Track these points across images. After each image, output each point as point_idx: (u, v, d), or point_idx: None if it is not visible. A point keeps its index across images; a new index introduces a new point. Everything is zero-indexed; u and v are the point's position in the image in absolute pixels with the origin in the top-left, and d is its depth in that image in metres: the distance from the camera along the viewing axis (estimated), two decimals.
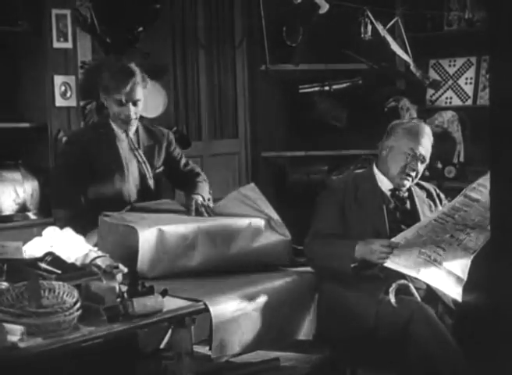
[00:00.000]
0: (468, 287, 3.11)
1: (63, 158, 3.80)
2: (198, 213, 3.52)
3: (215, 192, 5.71)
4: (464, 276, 3.09)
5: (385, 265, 3.11)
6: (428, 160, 3.43)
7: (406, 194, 3.45)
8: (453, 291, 3.09)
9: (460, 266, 3.10)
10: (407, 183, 3.39)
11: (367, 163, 3.58)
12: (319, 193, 3.52)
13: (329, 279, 3.33)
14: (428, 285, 3.22)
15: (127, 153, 3.72)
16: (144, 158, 3.75)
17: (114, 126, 3.70)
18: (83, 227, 3.38)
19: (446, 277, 3.10)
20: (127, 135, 3.73)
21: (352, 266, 3.19)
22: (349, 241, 3.25)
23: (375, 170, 3.46)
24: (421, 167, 3.40)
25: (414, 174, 3.39)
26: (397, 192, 3.42)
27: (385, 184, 3.42)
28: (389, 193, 3.41)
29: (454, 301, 3.17)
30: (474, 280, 3.08)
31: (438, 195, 3.56)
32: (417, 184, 3.54)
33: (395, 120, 3.57)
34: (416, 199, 3.45)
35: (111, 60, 4.71)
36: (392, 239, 3.14)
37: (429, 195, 3.53)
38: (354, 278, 3.23)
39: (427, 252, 3.10)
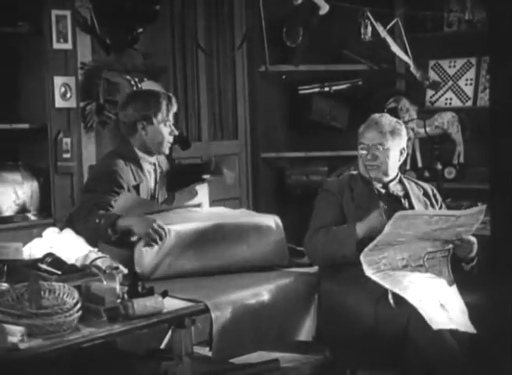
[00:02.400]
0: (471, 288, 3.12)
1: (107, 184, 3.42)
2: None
3: (214, 193, 5.72)
4: (463, 306, 3.10)
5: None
6: (388, 146, 3.40)
7: (401, 193, 3.47)
8: (466, 325, 3.05)
9: (453, 299, 3.11)
10: (379, 175, 3.40)
11: None
12: (315, 197, 3.52)
13: (329, 280, 3.33)
14: None
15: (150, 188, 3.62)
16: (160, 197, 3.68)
17: (140, 154, 3.57)
18: None
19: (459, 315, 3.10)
20: (154, 169, 3.65)
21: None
22: (348, 224, 3.29)
23: None
24: (380, 154, 3.39)
25: (375, 163, 3.39)
26: (392, 191, 3.43)
27: (375, 182, 3.44)
28: (383, 190, 3.41)
29: None
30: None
31: (434, 195, 3.57)
32: (414, 183, 3.56)
33: None
34: (412, 197, 3.46)
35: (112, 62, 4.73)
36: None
37: (425, 194, 3.54)
38: (356, 272, 3.23)
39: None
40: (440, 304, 3.08)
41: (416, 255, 3.14)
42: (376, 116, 3.51)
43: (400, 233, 3.13)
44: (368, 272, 3.10)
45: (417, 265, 3.15)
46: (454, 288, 3.15)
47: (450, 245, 3.19)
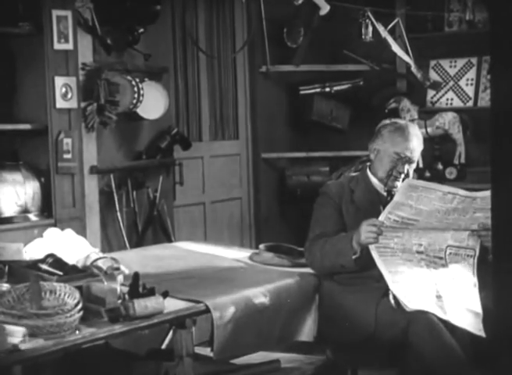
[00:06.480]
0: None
1: None
2: None
3: (215, 193, 5.73)
4: (479, 310, 2.95)
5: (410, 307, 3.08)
6: (416, 159, 3.38)
7: None
8: (474, 328, 2.99)
9: (471, 301, 2.99)
10: (398, 184, 3.36)
11: (364, 165, 3.56)
12: (315, 198, 3.50)
13: (329, 281, 3.33)
14: None
15: None
16: None
17: None
18: None
19: (461, 315, 3.02)
20: None
21: (354, 257, 3.16)
22: (346, 233, 3.24)
23: (368, 172, 3.44)
24: (409, 168, 3.35)
25: (402, 176, 3.36)
26: (393, 192, 3.40)
27: (379, 185, 3.41)
28: (385, 193, 3.40)
29: None
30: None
31: None
32: None
33: (383, 121, 3.53)
34: None
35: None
36: (380, 218, 3.12)
37: None
38: (357, 273, 3.22)
39: (435, 292, 3.05)
40: (437, 295, 3.05)
41: (436, 244, 2.99)
42: (408, 125, 3.42)
43: (411, 206, 3.06)
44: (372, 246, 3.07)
45: (436, 256, 3.01)
46: (474, 290, 3.02)
47: (478, 245, 2.96)
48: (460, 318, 3.00)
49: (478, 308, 2.92)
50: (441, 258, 2.98)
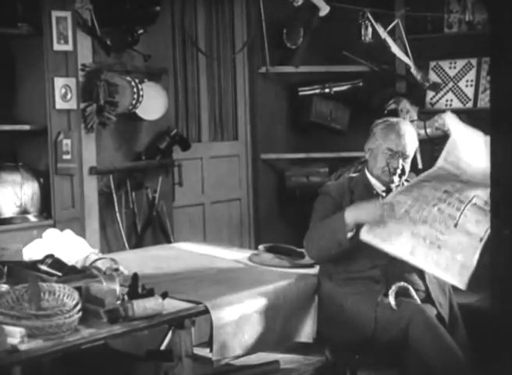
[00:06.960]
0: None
1: None
2: None
3: (214, 194, 5.73)
4: (472, 263, 2.96)
5: (371, 242, 3.09)
6: (410, 155, 3.39)
7: None
8: (455, 279, 3.00)
9: (465, 252, 2.99)
10: (396, 180, 3.36)
11: (363, 166, 3.56)
12: (315, 199, 3.50)
13: (329, 281, 3.33)
14: (427, 287, 3.22)
15: None
16: None
17: None
18: None
19: (447, 263, 3.02)
20: None
21: (349, 236, 3.17)
22: (338, 213, 3.25)
23: (367, 173, 3.45)
24: (404, 163, 3.36)
25: (398, 171, 3.36)
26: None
27: (378, 186, 3.41)
28: (384, 194, 3.40)
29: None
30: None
31: None
32: None
33: (376, 121, 3.54)
34: None
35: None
36: (385, 200, 3.14)
37: None
38: (356, 274, 3.22)
39: (420, 234, 3.04)
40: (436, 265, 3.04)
41: (464, 191, 3.02)
42: (399, 121, 3.45)
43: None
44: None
45: (458, 199, 2.98)
46: (477, 244, 3.01)
47: None
48: (445, 267, 3.00)
49: (471, 262, 2.93)
50: (462, 202, 2.99)
